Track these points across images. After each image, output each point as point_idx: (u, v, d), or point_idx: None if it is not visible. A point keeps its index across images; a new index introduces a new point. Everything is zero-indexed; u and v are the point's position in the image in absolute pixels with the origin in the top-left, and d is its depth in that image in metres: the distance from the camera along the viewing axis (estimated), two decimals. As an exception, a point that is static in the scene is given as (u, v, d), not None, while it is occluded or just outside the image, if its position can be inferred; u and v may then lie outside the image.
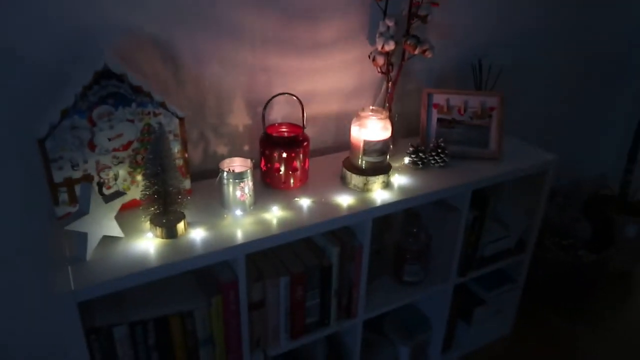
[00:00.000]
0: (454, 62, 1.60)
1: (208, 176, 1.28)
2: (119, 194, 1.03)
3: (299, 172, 1.24)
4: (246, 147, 1.37)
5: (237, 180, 1.11)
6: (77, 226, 0.94)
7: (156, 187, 1.01)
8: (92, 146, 1.05)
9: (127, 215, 1.09)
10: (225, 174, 1.11)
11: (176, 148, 1.15)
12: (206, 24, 1.17)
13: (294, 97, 1.23)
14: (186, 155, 1.17)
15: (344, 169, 1.26)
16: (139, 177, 1.13)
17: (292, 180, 1.24)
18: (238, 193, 1.13)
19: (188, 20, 1.15)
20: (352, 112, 1.46)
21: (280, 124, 1.29)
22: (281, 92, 1.27)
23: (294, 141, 1.22)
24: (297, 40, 1.30)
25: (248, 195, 1.14)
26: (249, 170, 1.12)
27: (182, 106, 1.21)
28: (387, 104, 1.40)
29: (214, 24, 1.18)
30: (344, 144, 1.47)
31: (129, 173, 1.12)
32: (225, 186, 1.13)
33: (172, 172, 1.01)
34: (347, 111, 1.46)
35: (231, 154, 1.35)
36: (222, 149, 1.34)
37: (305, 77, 1.36)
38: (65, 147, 1.02)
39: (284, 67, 1.32)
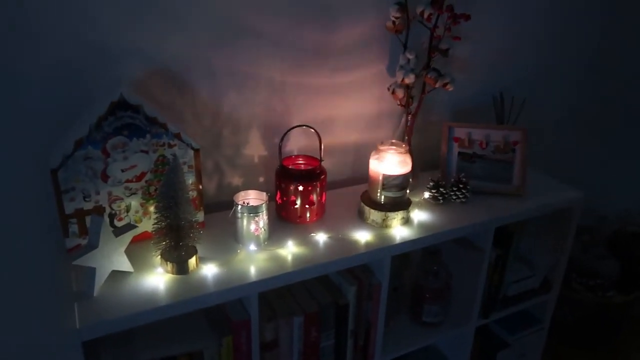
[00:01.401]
0: (475, 94, 1.57)
1: (222, 208, 1.25)
2: (130, 227, 1.00)
3: (315, 206, 1.20)
4: (261, 179, 1.34)
5: (251, 214, 1.08)
6: (86, 261, 0.91)
7: (168, 221, 0.98)
8: (104, 177, 1.03)
9: (137, 247, 1.05)
10: (239, 207, 1.08)
11: (190, 180, 1.12)
12: (225, 53, 1.16)
13: (312, 129, 1.21)
14: (200, 187, 1.14)
15: (362, 204, 1.22)
16: (152, 209, 1.10)
17: (308, 215, 1.20)
18: (252, 227, 1.09)
19: (206, 50, 1.14)
20: (370, 143, 1.43)
21: (297, 156, 1.26)
22: (298, 122, 1.25)
23: (311, 174, 1.18)
24: (316, 70, 1.28)
25: (263, 229, 1.10)
26: (264, 204, 1.09)
27: (197, 136, 1.19)
28: (407, 137, 1.37)
29: (232, 53, 1.17)
30: (363, 176, 1.43)
31: (142, 205, 1.09)
32: (240, 220, 1.09)
33: (186, 206, 0.98)
34: (365, 142, 1.43)
35: (246, 186, 1.32)
36: (236, 181, 1.31)
37: (323, 108, 1.34)
38: (78, 177, 1.00)
39: (301, 97, 1.30)
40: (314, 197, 1.18)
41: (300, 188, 1.16)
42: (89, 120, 0.97)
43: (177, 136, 1.07)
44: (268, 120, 1.28)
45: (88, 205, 1.03)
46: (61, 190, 0.99)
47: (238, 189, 1.30)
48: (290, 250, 1.10)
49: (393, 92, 1.32)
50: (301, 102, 1.30)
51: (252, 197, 1.14)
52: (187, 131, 1.15)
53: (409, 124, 1.36)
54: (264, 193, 1.13)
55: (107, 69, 1.05)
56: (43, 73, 0.99)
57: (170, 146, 1.07)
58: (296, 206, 1.18)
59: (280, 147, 1.20)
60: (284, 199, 1.19)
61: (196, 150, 1.10)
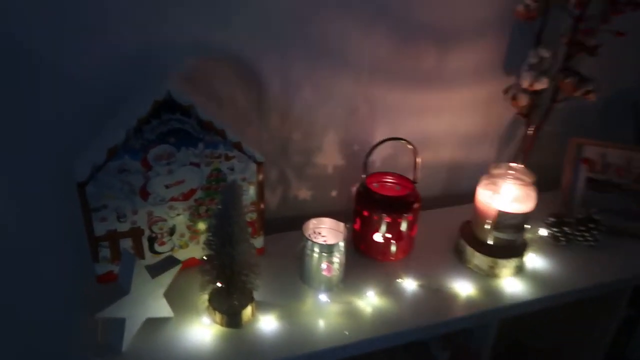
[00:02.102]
0: (607, 103, 1.23)
1: (284, 227, 1.01)
2: (171, 262, 0.78)
3: (403, 241, 0.94)
4: (334, 193, 1.10)
5: (324, 254, 0.84)
6: (114, 312, 0.70)
7: (220, 261, 0.75)
8: (144, 194, 0.81)
9: (181, 277, 0.82)
10: (309, 243, 0.84)
11: (250, 199, 0.89)
12: (301, 43, 0.91)
13: (409, 145, 0.93)
14: (262, 207, 0.91)
15: (462, 242, 0.95)
16: (201, 226, 0.88)
17: (393, 250, 0.94)
18: (324, 266, 0.85)
19: (279, 38, 0.89)
20: (469, 162, 1.15)
21: (383, 174, 1.00)
22: (384, 129, 0.99)
23: (402, 202, 0.92)
24: (413, 71, 1.01)
25: (337, 270, 0.86)
26: (342, 243, 0.84)
27: (262, 141, 0.96)
28: (523, 155, 1.07)
29: (311, 43, 0.91)
30: (455, 196, 1.16)
31: (189, 227, 0.87)
32: (309, 257, 0.85)
33: (243, 246, 0.74)
34: (463, 159, 1.15)
35: (315, 200, 1.08)
36: (304, 194, 1.07)
37: (416, 116, 1.07)
38: (111, 194, 0.78)
39: (391, 101, 1.04)
40: (404, 231, 0.93)
41: (388, 219, 0.91)
42: (126, 123, 0.74)
43: (237, 146, 0.83)
44: (349, 126, 1.03)
45: (123, 227, 0.82)
46: (90, 208, 0.78)
47: (305, 204, 1.08)
48: (370, 302, 0.85)
49: (513, 98, 1.02)
50: (390, 107, 1.04)
51: (326, 226, 0.89)
52: (249, 134, 0.92)
53: (529, 140, 1.06)
54: (342, 224, 0.88)
55: (151, 58, 0.81)
56: (70, 63, 0.78)
57: (227, 158, 0.83)
58: (380, 240, 0.93)
59: (365, 164, 0.94)
60: (365, 229, 0.94)
61: (259, 164, 0.86)
